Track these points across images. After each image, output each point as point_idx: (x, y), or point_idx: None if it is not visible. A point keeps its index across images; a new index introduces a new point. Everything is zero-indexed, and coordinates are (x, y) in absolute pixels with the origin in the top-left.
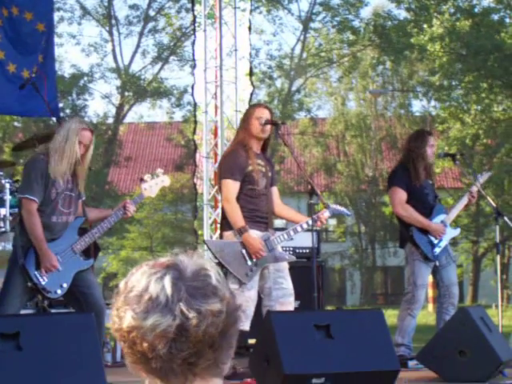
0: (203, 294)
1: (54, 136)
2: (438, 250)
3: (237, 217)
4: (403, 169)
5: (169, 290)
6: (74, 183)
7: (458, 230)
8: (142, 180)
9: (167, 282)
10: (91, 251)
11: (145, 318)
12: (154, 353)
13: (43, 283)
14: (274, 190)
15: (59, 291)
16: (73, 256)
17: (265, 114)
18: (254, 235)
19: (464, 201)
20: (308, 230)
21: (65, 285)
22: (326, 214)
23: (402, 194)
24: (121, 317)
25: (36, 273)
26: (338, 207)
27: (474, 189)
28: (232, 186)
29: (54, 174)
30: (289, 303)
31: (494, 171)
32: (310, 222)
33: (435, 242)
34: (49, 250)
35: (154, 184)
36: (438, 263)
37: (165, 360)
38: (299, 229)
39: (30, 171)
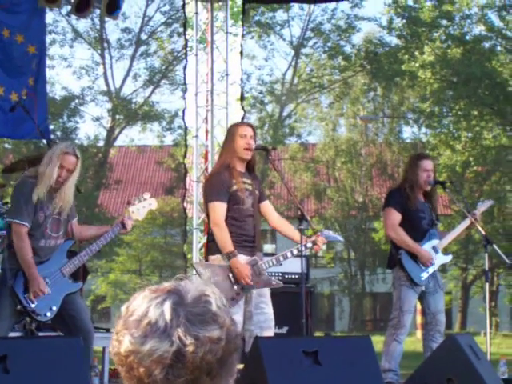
0: (202, 321)
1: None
2: (424, 276)
3: (225, 241)
4: (400, 191)
5: (168, 316)
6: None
7: (450, 257)
8: (129, 203)
9: (167, 307)
10: (80, 274)
11: (142, 343)
12: (150, 378)
13: (33, 306)
14: (266, 204)
15: (49, 314)
16: (62, 279)
17: (248, 132)
18: (242, 260)
19: (463, 225)
20: (297, 256)
21: (54, 308)
22: (322, 237)
23: (395, 216)
24: (120, 341)
25: (25, 296)
26: (331, 233)
27: (477, 212)
28: (219, 208)
29: (37, 196)
30: (269, 328)
31: (483, 198)
32: (301, 249)
33: (423, 267)
34: (38, 274)
35: (142, 207)
36: (424, 288)
37: None
38: (289, 255)
39: (19, 195)
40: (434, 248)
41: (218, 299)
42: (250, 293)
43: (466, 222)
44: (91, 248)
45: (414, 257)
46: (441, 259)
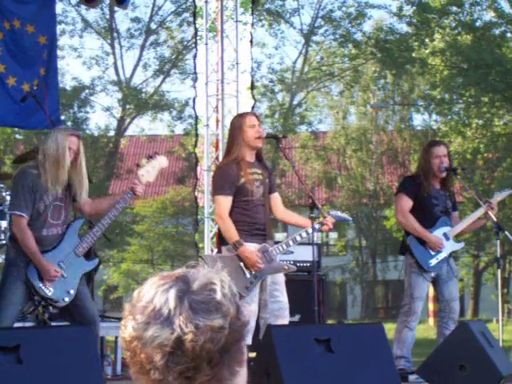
0: (205, 309)
1: (42, 148)
2: (433, 262)
3: (230, 232)
4: (414, 178)
5: (172, 303)
6: (67, 191)
7: (461, 245)
8: (138, 166)
9: (171, 294)
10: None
11: (145, 329)
12: (151, 364)
13: (49, 294)
14: (275, 196)
15: (67, 298)
16: (76, 260)
17: (256, 121)
18: (250, 248)
19: (477, 214)
20: (308, 244)
21: (71, 291)
22: (329, 217)
23: (405, 202)
24: (125, 326)
25: (41, 285)
26: (339, 213)
27: (494, 201)
28: (223, 202)
29: (54, 184)
30: (284, 316)
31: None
32: (310, 231)
33: (432, 253)
34: (46, 262)
35: (151, 167)
36: (438, 275)
37: (161, 372)
38: (298, 238)
39: (17, 186)
40: (445, 235)
41: (226, 287)
42: (264, 281)
43: (480, 211)
44: (103, 222)
45: (423, 243)
46: (452, 246)
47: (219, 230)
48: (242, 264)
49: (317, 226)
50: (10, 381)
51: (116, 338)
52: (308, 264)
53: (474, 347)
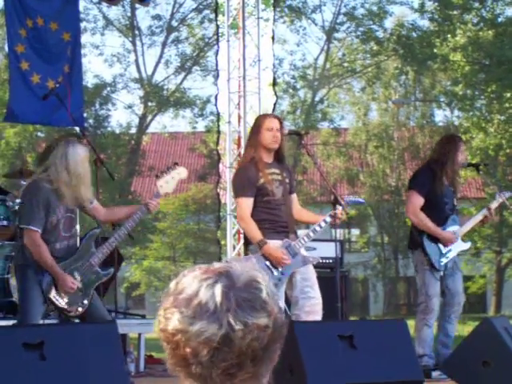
0: (252, 307)
1: (59, 162)
2: (444, 261)
3: (253, 232)
4: (428, 172)
5: (218, 298)
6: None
7: (469, 244)
8: (157, 177)
9: (218, 289)
10: (114, 261)
11: (191, 323)
12: (195, 359)
13: (63, 304)
14: (293, 197)
15: (80, 309)
16: (91, 270)
17: (275, 124)
18: (274, 245)
19: (479, 217)
20: (331, 240)
21: (85, 301)
22: (340, 208)
23: (417, 199)
24: (167, 318)
25: (55, 295)
26: (351, 197)
27: (493, 206)
28: (245, 204)
29: (74, 202)
30: (315, 312)
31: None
32: (328, 220)
33: (444, 251)
34: (63, 273)
35: (170, 178)
36: (442, 272)
37: (205, 367)
38: (318, 228)
39: (31, 199)
40: (455, 233)
41: (268, 286)
42: (294, 278)
43: (483, 213)
44: (119, 233)
45: (435, 241)
46: (460, 246)
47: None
48: (267, 263)
49: (327, 220)
50: (33, 377)
51: (139, 335)
52: (331, 261)
53: (497, 343)
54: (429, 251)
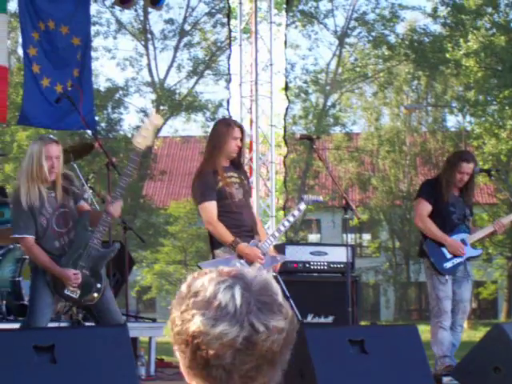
0: (270, 310)
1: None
2: (448, 265)
3: (223, 234)
4: (435, 182)
5: (238, 301)
6: (68, 196)
7: (479, 252)
8: (132, 136)
9: (237, 292)
10: (126, 264)
11: (213, 325)
12: (218, 361)
13: (77, 297)
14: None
15: (96, 294)
16: (94, 252)
17: (239, 134)
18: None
19: (489, 229)
20: (342, 245)
21: (99, 285)
22: (301, 206)
23: (424, 206)
24: (186, 320)
25: (66, 291)
26: (311, 196)
27: (505, 221)
28: (208, 207)
29: (31, 201)
30: None
31: None
32: (291, 219)
33: (448, 256)
34: (63, 270)
35: (146, 131)
36: (452, 276)
37: (227, 370)
38: (282, 228)
39: (14, 209)
40: (463, 241)
41: (280, 290)
42: None
43: (494, 226)
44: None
45: (441, 246)
46: (469, 252)
47: (210, 235)
48: (238, 264)
49: (286, 224)
50: (44, 380)
51: (150, 338)
52: (342, 265)
53: (508, 349)
54: (432, 257)
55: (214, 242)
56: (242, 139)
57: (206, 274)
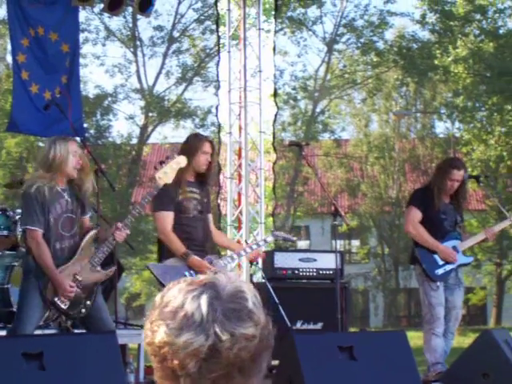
0: (238, 317)
1: (40, 158)
2: (440, 272)
3: (177, 245)
4: (426, 190)
5: (204, 310)
6: (78, 203)
7: (470, 259)
8: (155, 168)
9: (203, 301)
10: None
11: (178, 335)
12: (183, 371)
13: (64, 308)
14: (209, 217)
15: (83, 310)
16: (92, 270)
17: (210, 149)
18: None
19: (480, 237)
20: (331, 251)
21: (88, 302)
22: (268, 239)
23: (415, 213)
24: (154, 331)
25: (56, 299)
26: (283, 234)
27: (496, 229)
28: (165, 217)
29: (46, 196)
30: None
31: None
32: (254, 247)
33: (440, 263)
34: (62, 278)
35: (169, 169)
36: (444, 283)
37: (194, 379)
38: (243, 253)
39: (27, 202)
40: (455, 248)
41: (254, 296)
42: None
43: (484, 234)
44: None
45: (432, 253)
46: (461, 259)
47: (159, 245)
48: (187, 274)
49: (248, 250)
50: None
51: (139, 345)
52: (331, 272)
53: (497, 355)
54: (423, 263)
55: (164, 252)
56: (212, 154)
57: (178, 284)
